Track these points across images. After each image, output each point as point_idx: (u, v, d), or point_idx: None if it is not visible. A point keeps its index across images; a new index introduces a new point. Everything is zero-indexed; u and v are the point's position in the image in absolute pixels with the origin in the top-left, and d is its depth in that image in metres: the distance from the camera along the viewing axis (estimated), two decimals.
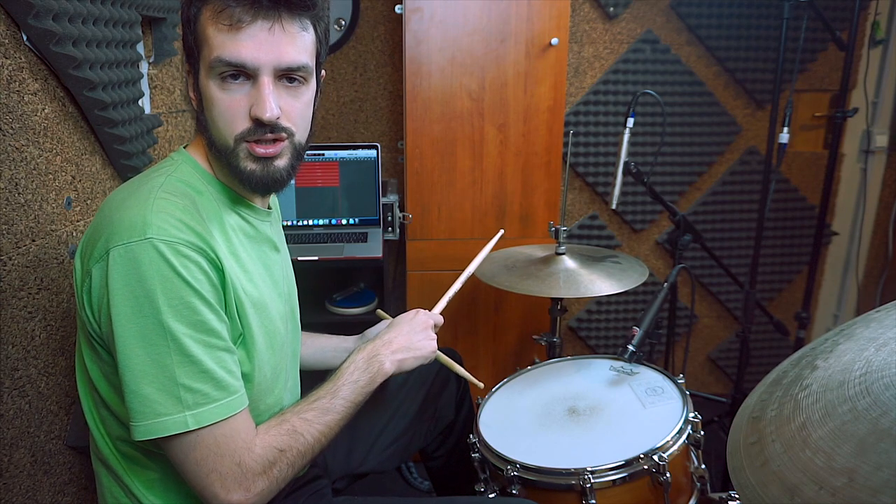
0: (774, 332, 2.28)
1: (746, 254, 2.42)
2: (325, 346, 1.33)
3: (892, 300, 0.69)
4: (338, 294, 2.09)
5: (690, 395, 1.26)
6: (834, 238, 2.55)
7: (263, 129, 0.90)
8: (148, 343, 0.82)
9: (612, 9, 2.23)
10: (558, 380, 1.40)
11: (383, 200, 2.06)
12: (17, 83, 1.03)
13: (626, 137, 1.70)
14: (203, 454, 0.86)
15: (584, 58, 2.29)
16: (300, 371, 1.20)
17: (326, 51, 0.99)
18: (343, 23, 2.26)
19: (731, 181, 2.43)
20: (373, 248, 1.96)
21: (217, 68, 0.87)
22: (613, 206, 1.73)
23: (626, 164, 1.71)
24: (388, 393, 1.33)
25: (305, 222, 2.09)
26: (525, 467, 1.13)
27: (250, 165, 0.92)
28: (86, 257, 0.86)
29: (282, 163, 0.94)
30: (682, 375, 1.31)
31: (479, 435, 1.23)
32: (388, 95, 2.34)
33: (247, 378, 0.95)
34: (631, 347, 1.37)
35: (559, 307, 1.73)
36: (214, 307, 0.87)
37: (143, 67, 1.52)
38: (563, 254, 1.65)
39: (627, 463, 1.10)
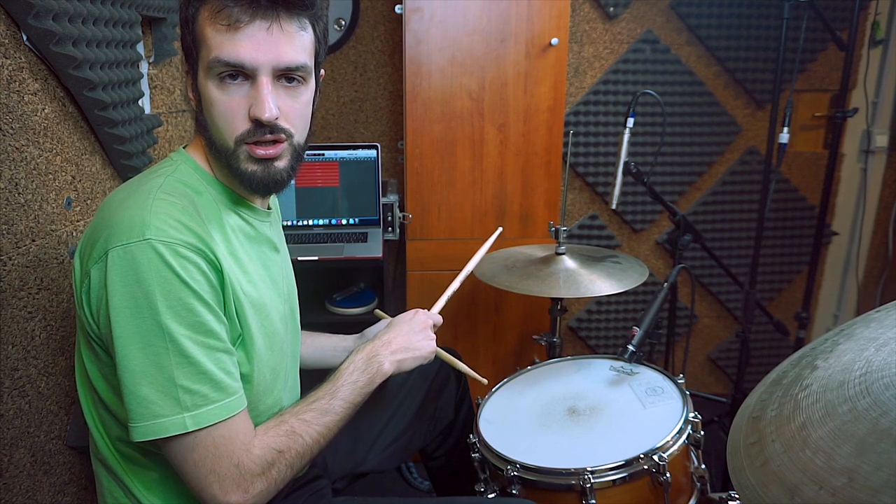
0: (774, 332, 2.28)
1: (746, 254, 2.41)
2: (324, 345, 1.33)
3: (892, 300, 0.69)
4: (338, 294, 2.09)
5: (690, 395, 1.26)
6: (834, 238, 2.55)
7: (263, 129, 0.90)
8: (146, 344, 0.82)
9: (612, 9, 2.23)
10: (558, 380, 1.40)
11: (383, 200, 2.06)
12: (17, 83, 1.03)
13: (626, 137, 1.70)
14: (201, 455, 0.86)
15: (584, 58, 2.29)
16: (300, 370, 1.20)
17: (325, 50, 0.99)
18: (343, 23, 2.26)
19: (731, 181, 2.42)
20: (373, 248, 1.96)
21: (215, 68, 0.87)
22: (613, 206, 1.73)
23: (626, 163, 1.70)
24: (387, 393, 1.33)
25: (305, 222, 2.09)
26: (525, 467, 1.13)
27: (251, 167, 0.92)
28: (85, 258, 0.86)
29: (282, 164, 0.94)
30: (682, 375, 1.31)
31: (478, 435, 1.23)
32: (388, 95, 2.34)
33: (246, 379, 0.95)
34: (631, 347, 1.37)
35: (559, 307, 1.73)
36: (213, 308, 0.87)
37: (143, 67, 1.52)
38: (563, 254, 1.64)
39: (627, 463, 1.10)
